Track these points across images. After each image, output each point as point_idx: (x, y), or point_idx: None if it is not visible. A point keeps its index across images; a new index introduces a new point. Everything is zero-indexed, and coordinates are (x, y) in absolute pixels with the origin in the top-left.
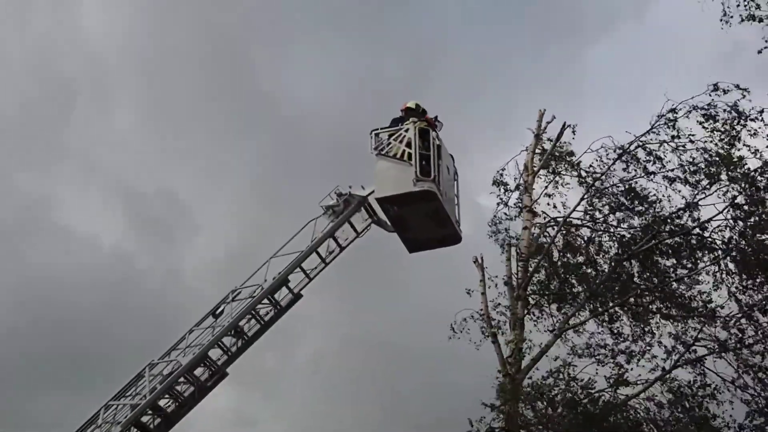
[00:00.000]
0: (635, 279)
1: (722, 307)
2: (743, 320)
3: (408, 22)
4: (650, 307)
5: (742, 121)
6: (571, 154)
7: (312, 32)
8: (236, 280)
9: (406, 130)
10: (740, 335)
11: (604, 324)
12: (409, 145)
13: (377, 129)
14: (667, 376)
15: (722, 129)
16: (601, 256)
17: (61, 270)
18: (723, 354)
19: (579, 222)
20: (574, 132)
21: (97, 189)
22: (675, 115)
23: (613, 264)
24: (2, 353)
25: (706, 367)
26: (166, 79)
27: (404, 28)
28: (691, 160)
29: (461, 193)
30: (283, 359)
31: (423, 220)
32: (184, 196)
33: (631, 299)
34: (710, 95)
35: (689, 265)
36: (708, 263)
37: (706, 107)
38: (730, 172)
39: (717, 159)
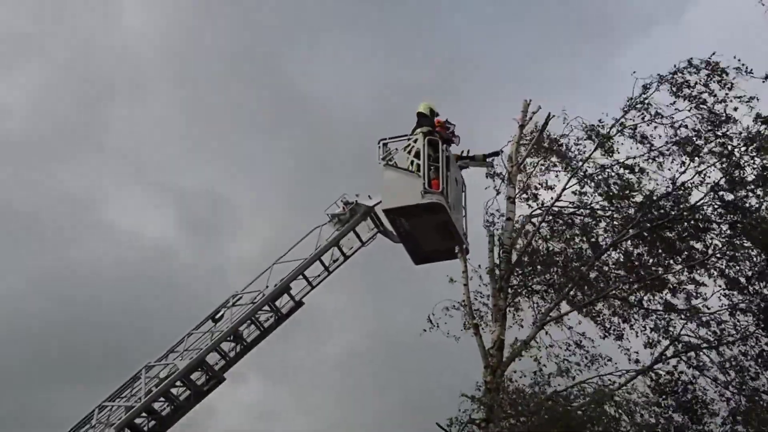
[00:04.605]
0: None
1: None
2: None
3: (439, 24)
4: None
5: (717, 76)
6: (555, 141)
7: (341, 33)
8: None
9: (415, 141)
10: (719, 333)
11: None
12: (417, 155)
13: (385, 138)
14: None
15: (695, 94)
16: (587, 241)
17: (105, 266)
18: (706, 350)
19: (564, 210)
20: (564, 120)
21: (139, 185)
22: (648, 91)
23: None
24: (44, 348)
25: (695, 362)
26: (201, 77)
27: (436, 30)
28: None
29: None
30: (309, 354)
31: (430, 232)
32: (224, 191)
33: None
34: (682, 72)
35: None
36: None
37: (671, 76)
38: (718, 134)
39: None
